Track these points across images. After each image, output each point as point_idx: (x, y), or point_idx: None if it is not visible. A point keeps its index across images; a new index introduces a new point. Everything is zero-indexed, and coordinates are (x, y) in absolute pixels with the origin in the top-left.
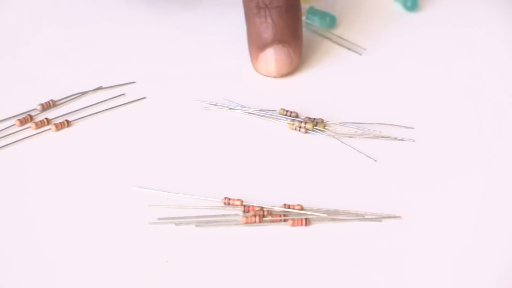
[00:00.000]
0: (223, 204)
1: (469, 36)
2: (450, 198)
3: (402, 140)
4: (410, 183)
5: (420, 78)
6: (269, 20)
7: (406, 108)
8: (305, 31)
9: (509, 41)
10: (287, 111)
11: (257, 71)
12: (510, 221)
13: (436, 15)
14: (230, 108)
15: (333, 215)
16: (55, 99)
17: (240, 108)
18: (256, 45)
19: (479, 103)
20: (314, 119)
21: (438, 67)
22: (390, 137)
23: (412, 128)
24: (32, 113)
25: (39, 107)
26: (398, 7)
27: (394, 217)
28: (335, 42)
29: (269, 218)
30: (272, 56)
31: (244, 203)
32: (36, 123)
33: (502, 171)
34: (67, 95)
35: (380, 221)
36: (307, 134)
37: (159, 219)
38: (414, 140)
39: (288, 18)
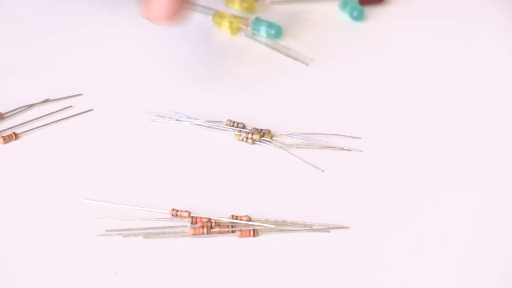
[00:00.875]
0: (171, 216)
1: (416, 45)
2: (397, 208)
3: (350, 150)
4: (358, 194)
5: (367, 88)
6: None
7: (353, 118)
8: (251, 42)
9: (456, 48)
10: (233, 122)
11: (143, 15)
12: (457, 229)
13: (382, 25)
14: (177, 120)
15: (281, 226)
16: (3, 111)
17: (187, 119)
18: None
19: (426, 112)
20: (261, 130)
21: (385, 76)
22: (338, 148)
23: (359, 138)
24: None
25: None
26: (345, 17)
27: (342, 227)
28: (281, 52)
29: (217, 229)
30: None
31: (192, 215)
32: None
33: (450, 180)
34: (15, 108)
35: (328, 231)
36: (254, 145)
37: (107, 231)
38: (361, 150)
39: None
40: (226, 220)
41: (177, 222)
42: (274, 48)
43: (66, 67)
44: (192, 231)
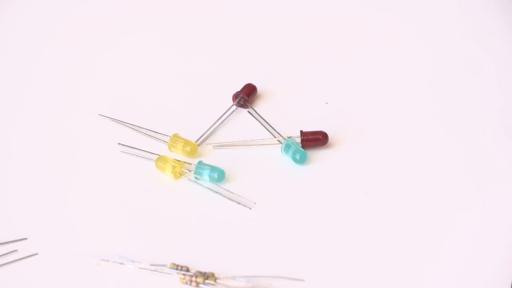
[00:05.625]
0: None
1: (358, 187)
2: None
3: None
4: None
5: (310, 229)
6: None
7: (296, 260)
8: (194, 186)
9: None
10: (177, 265)
11: None
12: None
13: (325, 168)
14: (121, 264)
15: None
16: None
17: (131, 263)
18: None
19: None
20: (205, 273)
21: (327, 217)
22: None
23: (303, 280)
24: None
25: None
26: (288, 160)
27: None
28: (224, 196)
29: None
30: None
31: None
32: None
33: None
34: None
35: None
36: None
37: None
38: None
39: None
40: None
41: None
42: (217, 192)
43: (10, 210)
44: None
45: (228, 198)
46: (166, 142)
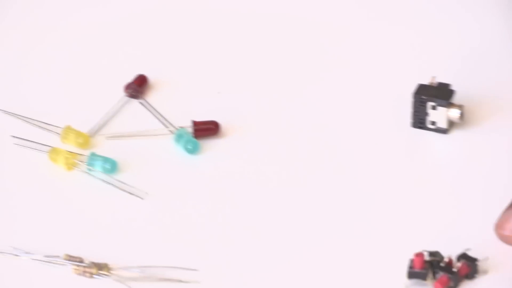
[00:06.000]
0: None
1: (252, 176)
2: None
3: (187, 282)
4: None
5: (202, 219)
6: None
7: (190, 250)
8: (86, 178)
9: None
10: (71, 256)
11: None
12: None
13: (218, 157)
14: (15, 255)
15: None
16: None
17: (25, 254)
18: None
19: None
20: (99, 263)
21: (219, 207)
22: (174, 280)
23: (196, 270)
24: None
25: None
26: (180, 150)
27: None
28: (117, 187)
29: None
30: None
31: None
32: None
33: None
34: None
35: None
36: (92, 279)
37: None
38: (198, 282)
39: None
40: None
41: None
42: (109, 183)
43: None
44: None
45: (120, 189)
46: (59, 134)
